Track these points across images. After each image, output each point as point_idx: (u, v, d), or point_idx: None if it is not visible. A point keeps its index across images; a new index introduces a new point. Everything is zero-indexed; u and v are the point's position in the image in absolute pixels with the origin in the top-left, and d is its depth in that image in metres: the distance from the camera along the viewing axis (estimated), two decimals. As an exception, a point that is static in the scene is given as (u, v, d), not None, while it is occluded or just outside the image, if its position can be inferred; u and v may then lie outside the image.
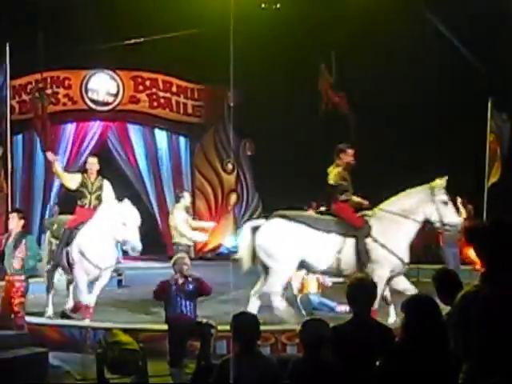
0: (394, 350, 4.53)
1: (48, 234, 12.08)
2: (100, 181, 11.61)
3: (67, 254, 11.15)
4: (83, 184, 11.49)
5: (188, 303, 8.85)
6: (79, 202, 11.52)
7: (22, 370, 8.03)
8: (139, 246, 11.01)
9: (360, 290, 5.33)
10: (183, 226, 12.68)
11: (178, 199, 13.27)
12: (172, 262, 9.34)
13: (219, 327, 8.54)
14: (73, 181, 11.59)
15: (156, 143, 22.81)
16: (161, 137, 22.94)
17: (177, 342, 8.65)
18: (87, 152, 21.67)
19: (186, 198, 13.16)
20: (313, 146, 19.48)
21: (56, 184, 21.33)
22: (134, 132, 22.66)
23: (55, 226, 11.80)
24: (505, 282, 3.62)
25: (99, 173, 11.74)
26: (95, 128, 22.20)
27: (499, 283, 3.61)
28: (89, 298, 10.97)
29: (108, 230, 10.97)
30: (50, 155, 12.03)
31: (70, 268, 11.21)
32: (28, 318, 9.85)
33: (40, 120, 18.90)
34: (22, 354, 8.39)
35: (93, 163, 11.71)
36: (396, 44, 17.40)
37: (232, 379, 4.60)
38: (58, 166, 11.84)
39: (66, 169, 21.24)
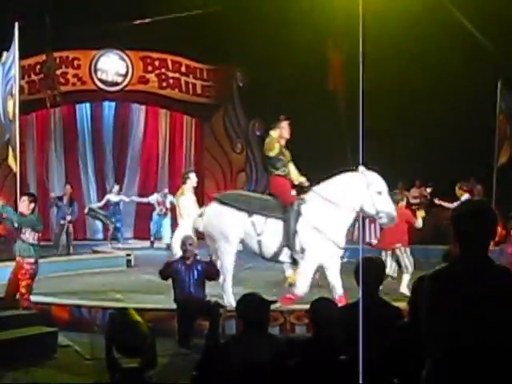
0: (403, 330, 4.53)
1: (228, 211, 10.31)
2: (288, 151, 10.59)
3: (294, 234, 9.99)
4: (281, 152, 10.41)
5: (197, 283, 8.87)
6: (279, 172, 10.37)
7: (31, 350, 8.09)
8: (395, 216, 10.11)
9: (368, 269, 5.30)
10: (193, 206, 12.28)
11: (184, 180, 12.67)
12: (180, 242, 9.35)
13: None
14: (274, 148, 10.37)
15: (157, 123, 23.06)
16: (161, 116, 23.06)
17: (185, 321, 8.68)
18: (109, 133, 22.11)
19: (193, 179, 12.54)
20: (323, 126, 19.39)
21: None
22: (136, 112, 22.95)
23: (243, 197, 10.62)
24: (477, 261, 3.46)
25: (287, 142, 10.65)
26: (112, 109, 22.58)
27: (472, 262, 3.46)
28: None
29: (346, 204, 9.92)
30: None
31: (292, 252, 10.04)
32: (38, 298, 9.89)
33: (51, 79, 18.97)
34: (31, 333, 8.45)
35: (286, 128, 10.53)
36: (405, 24, 17.26)
37: (238, 359, 4.60)
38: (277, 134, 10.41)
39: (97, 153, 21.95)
